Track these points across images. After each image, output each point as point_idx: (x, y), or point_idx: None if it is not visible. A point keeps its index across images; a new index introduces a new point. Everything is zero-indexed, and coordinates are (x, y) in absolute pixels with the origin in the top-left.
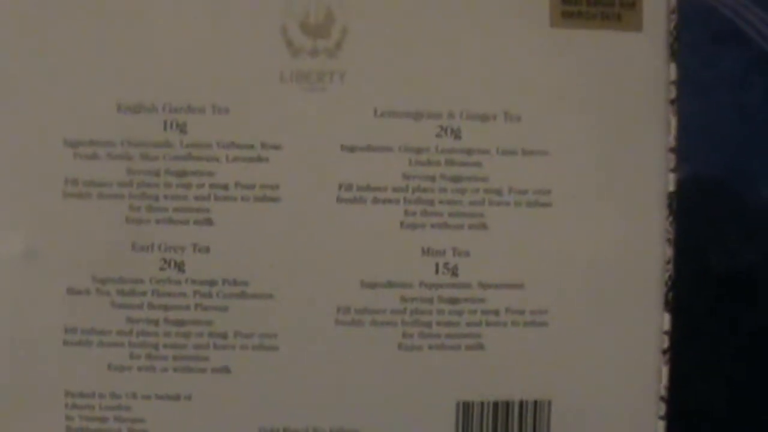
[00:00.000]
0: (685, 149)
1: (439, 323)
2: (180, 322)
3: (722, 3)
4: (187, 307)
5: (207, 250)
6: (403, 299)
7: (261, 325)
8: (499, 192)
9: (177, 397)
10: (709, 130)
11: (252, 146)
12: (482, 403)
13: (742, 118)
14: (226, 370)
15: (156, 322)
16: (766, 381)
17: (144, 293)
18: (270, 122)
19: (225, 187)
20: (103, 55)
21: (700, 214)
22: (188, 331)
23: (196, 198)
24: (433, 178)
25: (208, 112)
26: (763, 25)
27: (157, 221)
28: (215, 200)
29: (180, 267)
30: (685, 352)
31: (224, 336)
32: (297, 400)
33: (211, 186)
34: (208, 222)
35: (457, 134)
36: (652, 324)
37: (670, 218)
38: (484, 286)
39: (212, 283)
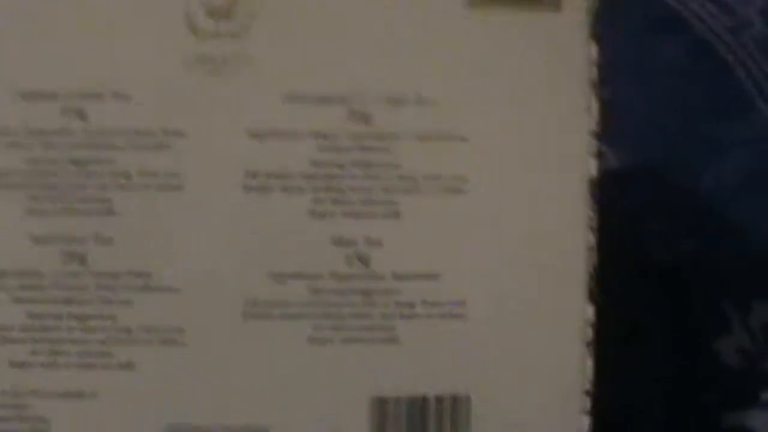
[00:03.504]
0: (624, 139)
1: (351, 316)
2: (83, 317)
3: None
4: (90, 301)
5: (109, 241)
6: (313, 291)
7: (166, 319)
8: (412, 179)
9: (81, 395)
10: (650, 119)
11: (154, 133)
12: (397, 399)
13: (684, 107)
14: (131, 366)
15: (59, 317)
16: (704, 376)
17: (45, 287)
18: (173, 108)
19: (127, 175)
20: None
21: (639, 204)
22: (92, 326)
23: (97, 187)
24: (343, 165)
25: (108, 99)
26: (705, 12)
27: (58, 212)
28: (117, 189)
29: (82, 259)
30: (622, 346)
31: (129, 331)
32: (205, 397)
33: (113, 174)
34: (110, 212)
35: (367, 119)
36: (576, 315)
37: (593, 205)
38: (398, 277)
39: (115, 276)
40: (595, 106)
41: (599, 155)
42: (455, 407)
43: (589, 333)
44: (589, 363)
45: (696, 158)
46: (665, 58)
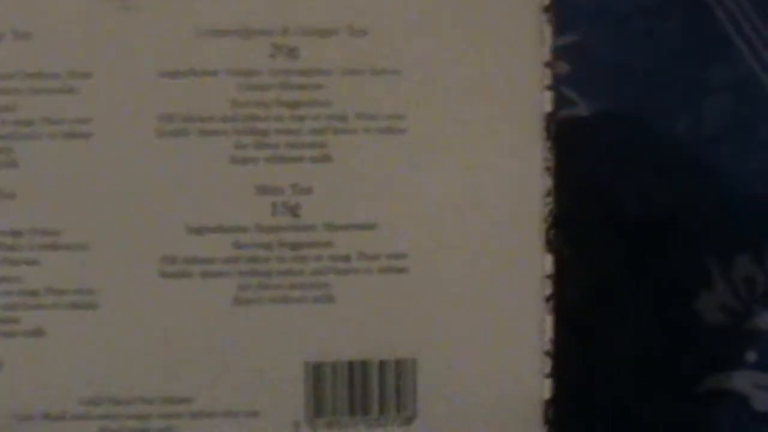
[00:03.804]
0: (594, 85)
1: (279, 272)
2: None
3: None
4: None
5: (12, 196)
6: (237, 245)
7: (76, 280)
8: (343, 118)
9: None
10: (621, 63)
11: (58, 75)
12: (335, 364)
13: (658, 49)
14: (39, 332)
15: None
16: (684, 336)
17: None
18: (78, 47)
19: (29, 123)
20: None
21: (611, 154)
22: None
23: None
24: (266, 105)
25: (7, 39)
26: None
27: None
28: (19, 139)
29: None
30: (592, 305)
31: (35, 294)
32: (121, 365)
33: (14, 123)
34: (12, 164)
35: (293, 53)
36: (532, 267)
37: (548, 143)
38: (330, 227)
39: (19, 233)
40: (548, 34)
41: (567, 101)
42: (400, 373)
43: (549, 286)
44: (549, 320)
45: (672, 104)
46: None
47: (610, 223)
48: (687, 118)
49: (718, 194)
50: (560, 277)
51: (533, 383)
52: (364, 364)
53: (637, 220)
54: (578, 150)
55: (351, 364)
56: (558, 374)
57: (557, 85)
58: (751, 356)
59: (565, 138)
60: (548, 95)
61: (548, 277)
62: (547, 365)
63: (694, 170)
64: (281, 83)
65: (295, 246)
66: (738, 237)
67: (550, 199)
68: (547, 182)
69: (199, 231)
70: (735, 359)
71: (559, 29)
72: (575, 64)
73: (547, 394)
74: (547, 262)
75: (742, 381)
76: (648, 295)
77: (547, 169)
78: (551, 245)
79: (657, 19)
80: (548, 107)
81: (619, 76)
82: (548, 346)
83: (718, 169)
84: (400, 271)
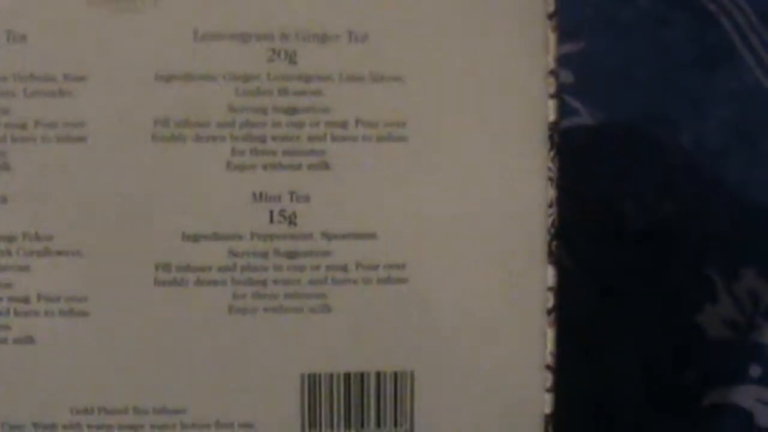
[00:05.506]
0: (598, 95)
1: (276, 281)
2: None
3: None
4: None
5: (4, 199)
6: (233, 254)
7: (69, 286)
8: (343, 125)
9: None
10: (625, 73)
11: (53, 78)
12: (331, 376)
13: (662, 59)
14: (29, 340)
15: None
16: (686, 350)
17: None
18: (74, 50)
19: (23, 126)
20: None
21: (614, 164)
22: None
23: None
24: (264, 111)
25: (1, 40)
26: None
27: None
28: (12, 141)
29: None
30: (594, 317)
31: (26, 300)
32: (113, 375)
33: (7, 125)
34: (5, 167)
35: (291, 58)
36: (534, 279)
37: (552, 153)
38: (328, 236)
39: (11, 238)
40: (553, 41)
41: (570, 110)
42: (398, 384)
43: (550, 299)
44: (551, 333)
45: (676, 113)
46: (643, 7)
47: (612, 234)
48: (691, 128)
49: (722, 206)
50: (561, 290)
51: (534, 397)
52: (361, 376)
53: (640, 232)
54: (581, 160)
55: (347, 376)
56: (559, 388)
57: (560, 94)
58: (755, 371)
59: (568, 147)
60: (552, 104)
61: (550, 289)
62: (548, 379)
63: (698, 181)
64: (279, 89)
65: (291, 255)
66: (742, 250)
67: (552, 210)
68: (550, 193)
69: (195, 238)
70: (738, 374)
71: (562, 38)
72: (579, 73)
73: (547, 408)
74: (549, 274)
75: (745, 396)
76: (651, 308)
77: (550, 179)
78: (554, 257)
79: (662, 28)
80: (552, 116)
81: (622, 85)
82: (549, 360)
83: (723, 180)
84: (399, 281)
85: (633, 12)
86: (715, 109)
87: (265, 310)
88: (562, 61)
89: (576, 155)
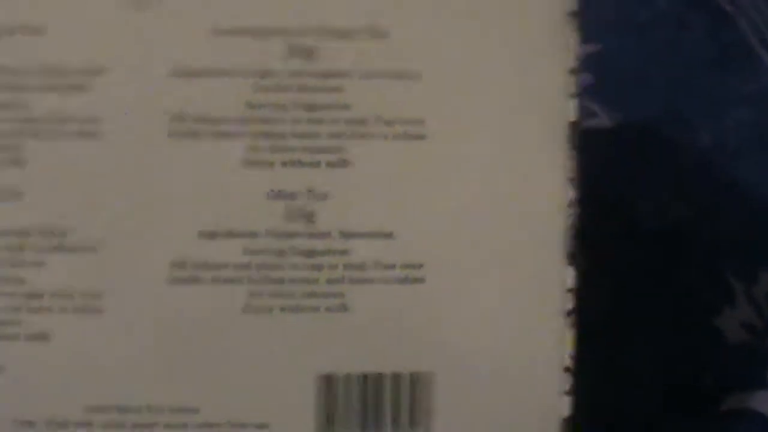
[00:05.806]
0: (616, 96)
1: (292, 280)
2: None
3: None
4: None
5: (18, 195)
6: (249, 251)
7: (83, 283)
8: (362, 122)
9: None
10: (645, 73)
11: (69, 72)
12: (348, 377)
13: (680, 60)
14: (43, 336)
15: None
16: (700, 352)
17: None
18: (89, 44)
19: (38, 120)
20: None
21: (631, 165)
22: None
23: (4, 134)
24: (283, 107)
25: (19, 33)
26: None
27: None
28: (27, 136)
29: None
30: (610, 320)
31: (40, 297)
32: (128, 372)
33: (23, 120)
34: (19, 162)
35: (311, 54)
36: (553, 280)
37: (572, 153)
38: (346, 235)
39: (25, 233)
40: (573, 40)
41: (587, 112)
42: (415, 386)
43: (570, 300)
44: (569, 335)
45: (694, 115)
46: (660, 8)
47: (629, 236)
48: (709, 130)
49: (741, 208)
50: (578, 292)
51: (552, 400)
52: (378, 377)
53: (658, 234)
54: (598, 161)
55: (364, 377)
56: (576, 391)
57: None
58: None
59: (586, 149)
60: (573, 103)
61: (569, 290)
62: (567, 382)
63: (716, 183)
64: (298, 85)
65: (309, 253)
66: (762, 252)
67: (572, 211)
68: (570, 193)
69: (211, 236)
70: (757, 379)
71: (579, 39)
72: (596, 75)
73: (565, 411)
74: (569, 276)
75: (763, 401)
76: (668, 311)
77: (571, 179)
78: (573, 258)
79: (679, 29)
80: (572, 116)
81: (640, 86)
82: (568, 362)
83: (742, 182)
84: (417, 281)
85: (651, 13)
86: (733, 110)
87: (282, 309)
88: (580, 62)
89: (593, 156)
